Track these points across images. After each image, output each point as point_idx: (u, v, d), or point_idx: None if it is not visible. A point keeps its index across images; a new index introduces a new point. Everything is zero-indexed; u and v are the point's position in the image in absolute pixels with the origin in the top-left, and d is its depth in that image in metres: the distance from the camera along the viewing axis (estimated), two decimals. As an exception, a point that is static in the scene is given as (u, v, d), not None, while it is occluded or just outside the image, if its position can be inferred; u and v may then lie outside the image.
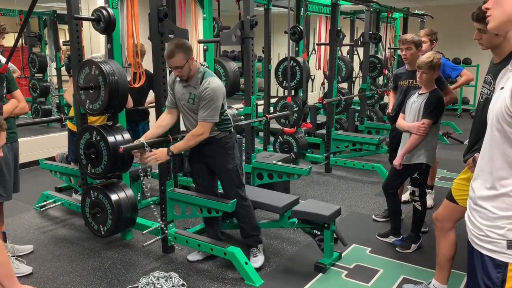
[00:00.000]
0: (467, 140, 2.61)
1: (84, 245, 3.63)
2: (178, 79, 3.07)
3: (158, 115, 3.30)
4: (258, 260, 3.24)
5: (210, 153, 3.14)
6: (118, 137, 3.32)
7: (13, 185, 3.27)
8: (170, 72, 3.19)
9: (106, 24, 3.39)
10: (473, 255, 1.38)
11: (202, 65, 4.20)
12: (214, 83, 2.95)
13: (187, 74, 2.96)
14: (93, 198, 3.47)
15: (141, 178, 3.20)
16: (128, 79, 3.66)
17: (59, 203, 4.25)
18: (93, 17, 3.42)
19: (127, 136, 3.39)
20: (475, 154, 2.21)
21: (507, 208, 1.26)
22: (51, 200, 4.30)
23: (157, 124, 3.21)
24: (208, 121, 2.97)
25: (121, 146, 3.01)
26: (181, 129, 4.58)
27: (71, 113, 4.21)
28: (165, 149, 3.02)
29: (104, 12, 3.37)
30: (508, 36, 1.24)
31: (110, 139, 3.26)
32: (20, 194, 3.53)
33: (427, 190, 4.47)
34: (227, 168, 3.14)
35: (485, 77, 2.33)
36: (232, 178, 3.17)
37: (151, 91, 4.72)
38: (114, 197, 3.38)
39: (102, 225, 3.46)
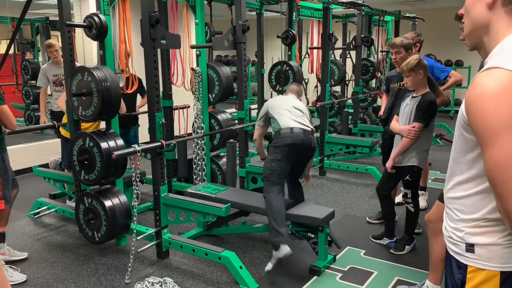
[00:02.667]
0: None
1: (79, 252, 3.62)
2: None
3: (151, 120, 3.30)
4: (268, 266, 3.19)
5: None
6: (111, 143, 3.32)
7: None
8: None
9: (98, 30, 3.39)
10: (446, 255, 1.41)
11: (194, 70, 4.25)
12: None
13: None
14: (87, 205, 3.47)
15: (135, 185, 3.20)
16: (121, 85, 3.67)
17: (53, 210, 4.24)
18: (85, 23, 3.43)
19: (120, 142, 3.39)
20: None
21: (465, 211, 1.29)
22: (45, 207, 4.29)
23: None
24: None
25: (114, 152, 3.02)
26: (175, 134, 4.61)
27: (64, 119, 4.21)
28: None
29: (96, 18, 3.38)
30: (483, 42, 1.27)
31: (103, 145, 3.26)
32: (14, 202, 3.51)
33: (420, 192, 4.49)
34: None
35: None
36: (264, 169, 3.43)
37: (138, 95, 4.76)
38: (108, 203, 3.38)
39: (96, 231, 3.45)
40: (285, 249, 3.06)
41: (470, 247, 1.28)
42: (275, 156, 3.33)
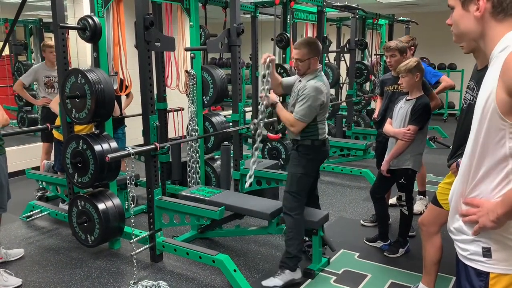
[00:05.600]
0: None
1: (72, 255, 3.60)
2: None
3: (145, 122, 3.28)
4: (271, 282, 3.07)
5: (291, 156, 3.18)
6: (105, 146, 3.30)
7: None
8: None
9: (92, 32, 3.38)
10: (459, 264, 1.41)
11: (188, 72, 4.24)
12: (318, 83, 2.95)
13: (303, 71, 3.02)
14: (80, 208, 3.44)
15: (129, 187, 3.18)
16: (115, 87, 3.66)
17: (45, 213, 4.20)
18: (79, 25, 3.41)
19: (113, 144, 3.38)
20: (459, 159, 2.24)
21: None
22: (38, 210, 4.26)
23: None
24: (297, 118, 2.94)
25: (108, 155, 3.00)
26: (169, 137, 4.60)
27: (57, 122, 4.19)
28: (275, 98, 3.08)
29: (90, 20, 3.37)
30: (479, 45, 1.34)
31: (97, 148, 3.25)
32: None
33: (419, 196, 4.50)
34: (290, 170, 3.10)
35: (469, 83, 2.37)
36: (290, 181, 3.09)
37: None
38: (101, 206, 3.36)
39: (90, 234, 3.43)
40: (300, 273, 3.13)
41: (487, 252, 1.29)
42: (307, 171, 3.06)
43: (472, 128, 1.34)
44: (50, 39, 8.57)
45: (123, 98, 4.85)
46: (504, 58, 1.20)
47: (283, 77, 5.34)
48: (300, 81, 3.09)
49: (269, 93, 3.02)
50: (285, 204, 3.11)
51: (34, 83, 5.28)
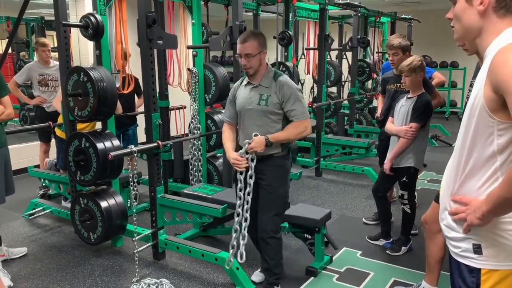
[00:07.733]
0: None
1: (74, 253, 3.60)
2: (243, 83, 2.81)
3: (147, 120, 3.28)
4: None
5: (264, 171, 2.75)
6: (107, 144, 3.31)
7: (7, 187, 3.25)
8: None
9: (94, 30, 3.38)
10: (451, 260, 1.42)
11: (190, 70, 4.25)
12: (289, 79, 2.74)
13: (255, 68, 2.68)
14: (83, 206, 3.45)
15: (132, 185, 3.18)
16: (117, 85, 3.66)
17: (48, 210, 4.21)
18: (81, 23, 3.41)
19: (116, 142, 3.38)
20: None
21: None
22: (40, 208, 4.26)
23: (230, 138, 2.89)
24: (306, 117, 2.69)
25: (111, 153, 3.00)
26: (171, 135, 4.59)
27: (60, 120, 4.19)
28: (262, 138, 2.66)
29: (92, 18, 3.37)
30: (476, 43, 1.35)
31: (99, 145, 3.25)
32: (9, 202, 3.49)
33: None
34: (277, 191, 2.77)
35: (471, 81, 2.36)
36: (277, 203, 2.80)
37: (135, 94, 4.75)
38: (103, 204, 3.36)
39: (92, 232, 3.44)
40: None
41: (477, 249, 1.30)
42: (287, 186, 2.85)
43: (461, 125, 1.36)
44: (51, 38, 8.59)
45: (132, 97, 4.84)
46: (493, 55, 1.21)
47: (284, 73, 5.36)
48: (254, 87, 2.73)
49: (251, 144, 2.66)
50: (272, 228, 2.79)
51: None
